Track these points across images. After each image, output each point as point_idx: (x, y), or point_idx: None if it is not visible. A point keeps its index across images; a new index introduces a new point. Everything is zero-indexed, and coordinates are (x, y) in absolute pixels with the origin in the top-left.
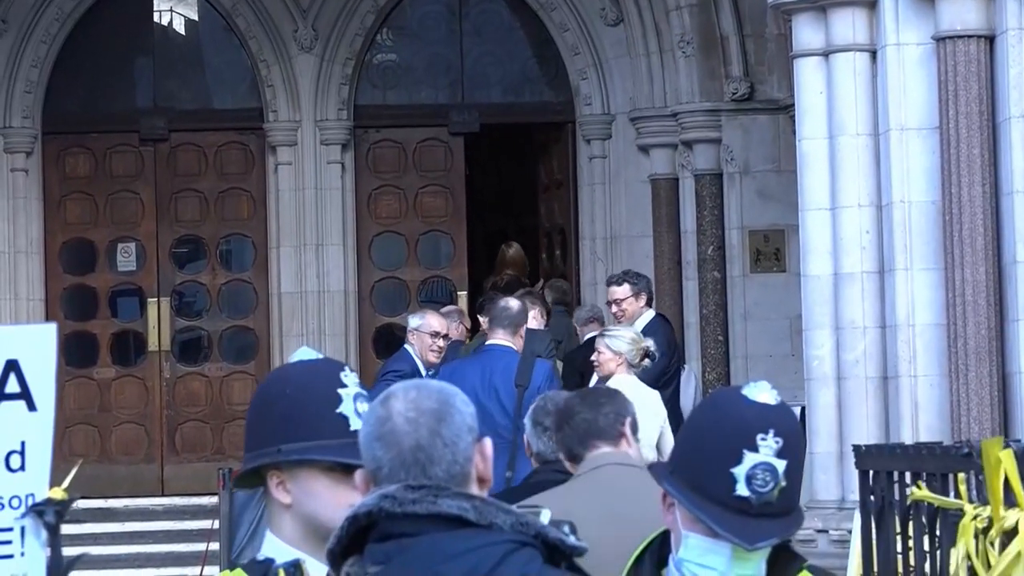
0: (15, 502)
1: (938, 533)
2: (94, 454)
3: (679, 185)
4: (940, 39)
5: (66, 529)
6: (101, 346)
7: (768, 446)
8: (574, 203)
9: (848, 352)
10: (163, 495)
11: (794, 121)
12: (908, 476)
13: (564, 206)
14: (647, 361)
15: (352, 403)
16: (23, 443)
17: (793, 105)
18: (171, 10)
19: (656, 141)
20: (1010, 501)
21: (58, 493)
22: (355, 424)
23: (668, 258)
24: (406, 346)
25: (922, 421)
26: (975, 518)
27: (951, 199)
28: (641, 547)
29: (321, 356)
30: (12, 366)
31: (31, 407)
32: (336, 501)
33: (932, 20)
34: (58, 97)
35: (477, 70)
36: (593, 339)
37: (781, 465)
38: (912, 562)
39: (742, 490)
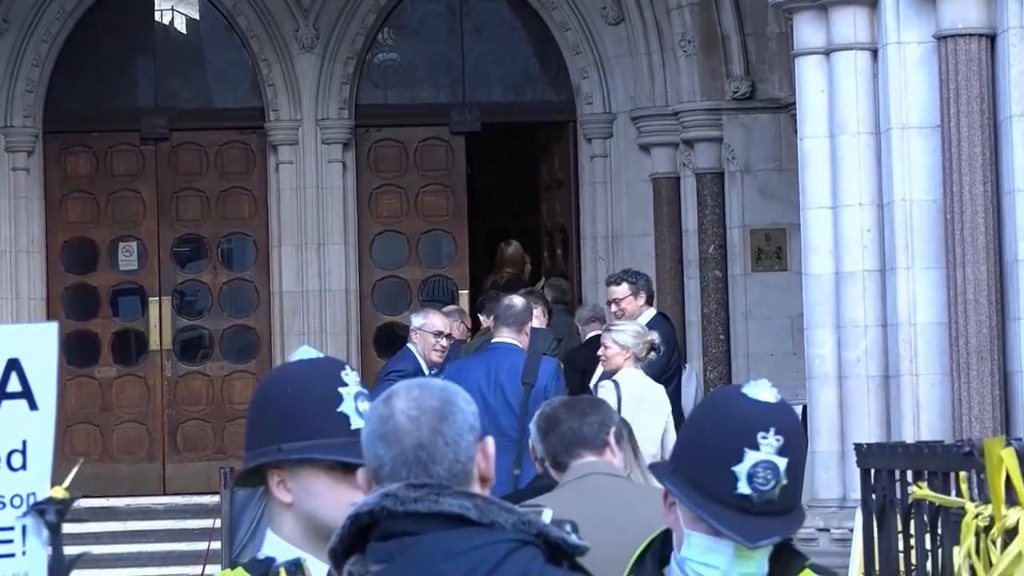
0: (16, 501)
1: (939, 532)
2: (95, 453)
3: (680, 184)
4: (941, 38)
5: (67, 528)
6: (102, 345)
7: (769, 444)
8: (575, 202)
9: (849, 351)
10: (164, 494)
11: (795, 120)
12: (909, 475)
13: (565, 205)
14: (653, 354)
15: (353, 402)
16: (24, 442)
17: (794, 104)
18: (172, 9)
19: (657, 140)
20: (1011, 500)
21: (59, 492)
22: (356, 423)
23: (669, 257)
24: (409, 345)
25: (923, 420)
26: (976, 517)
27: (952, 198)
28: (642, 546)
29: (322, 355)
30: (13, 365)
31: (32, 406)
32: (337, 500)
33: (933, 19)
34: (59, 96)
35: (478, 69)
36: (594, 338)
37: (782, 463)
38: (913, 561)
39: (743, 488)
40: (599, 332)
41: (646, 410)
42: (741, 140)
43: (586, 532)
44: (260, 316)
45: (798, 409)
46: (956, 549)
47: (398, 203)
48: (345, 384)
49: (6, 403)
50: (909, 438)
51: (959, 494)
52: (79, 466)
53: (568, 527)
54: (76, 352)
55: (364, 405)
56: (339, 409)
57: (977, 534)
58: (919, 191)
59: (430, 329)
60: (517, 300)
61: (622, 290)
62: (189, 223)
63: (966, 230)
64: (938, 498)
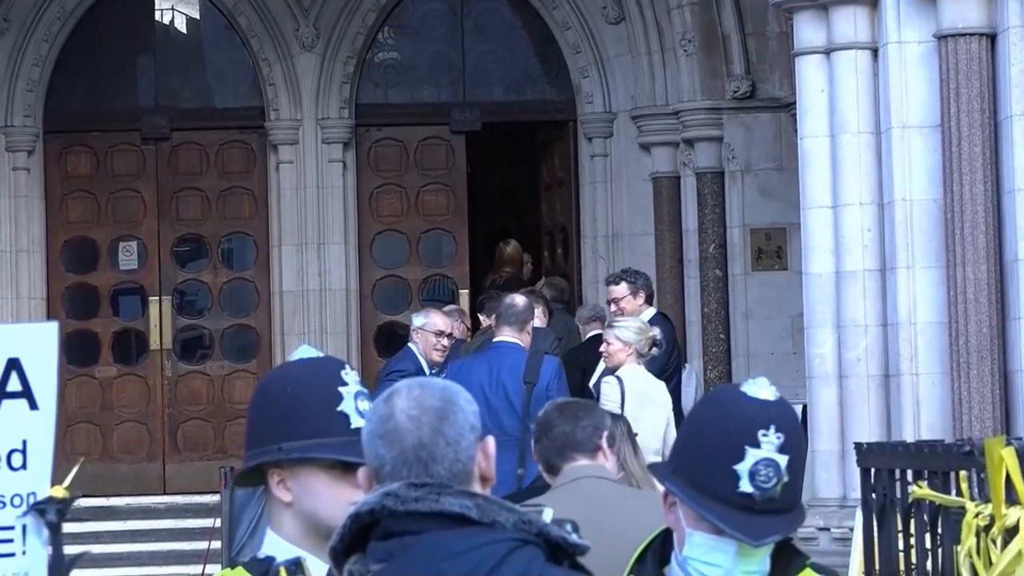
0: (17, 500)
1: (939, 531)
2: (96, 452)
3: (680, 183)
4: (942, 37)
5: (68, 527)
6: (102, 345)
7: (770, 442)
8: (576, 201)
9: (850, 350)
10: (165, 493)
11: (795, 119)
12: (910, 474)
13: (566, 204)
14: (655, 350)
15: (353, 401)
16: (24, 441)
17: (795, 103)
18: (172, 9)
19: (658, 139)
20: (1012, 499)
21: (60, 491)
22: (356, 422)
23: (670, 256)
24: (410, 345)
25: (924, 419)
26: (977, 516)
27: (952, 197)
28: (643, 546)
29: (322, 354)
30: (14, 364)
31: (33, 406)
32: (336, 499)
33: (934, 18)
34: (60, 96)
35: (478, 68)
36: (594, 338)
37: (783, 460)
38: (914, 560)
39: (745, 487)
40: (600, 331)
41: (649, 406)
42: (741, 139)
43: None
44: (260, 316)
45: (798, 408)
46: (956, 548)
47: (398, 202)
48: (345, 383)
49: (6, 403)
50: (909, 437)
51: (959, 493)
52: (79, 465)
53: (569, 526)
54: (76, 352)
55: (364, 404)
56: (339, 408)
57: (977, 533)
58: (919, 190)
59: (431, 329)
60: (519, 299)
61: (621, 289)
62: (189, 223)
63: (966, 229)
64: (938, 497)
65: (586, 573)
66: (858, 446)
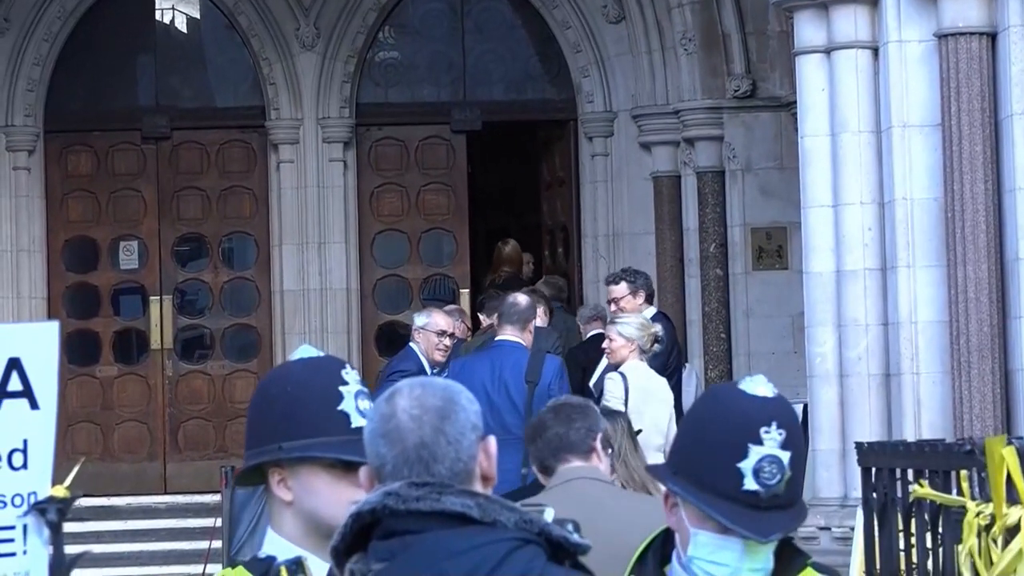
0: (17, 500)
1: (940, 530)
2: (96, 452)
3: (681, 182)
4: (942, 36)
5: (68, 527)
6: (103, 344)
7: (772, 438)
8: (576, 201)
9: (850, 349)
10: (165, 493)
11: (796, 118)
12: (910, 473)
13: (566, 204)
14: (657, 346)
15: (353, 400)
16: (25, 441)
17: (795, 102)
18: (173, 8)
19: (658, 138)
20: (1012, 498)
21: (60, 491)
22: (356, 421)
23: (670, 256)
24: (411, 344)
25: (924, 418)
26: (977, 515)
27: (953, 196)
28: (643, 546)
29: (322, 354)
30: (14, 364)
31: (33, 405)
32: (337, 498)
33: (934, 17)
34: (60, 95)
35: (479, 68)
36: (594, 337)
37: (786, 456)
38: (914, 559)
39: (750, 484)
40: (600, 331)
41: (652, 402)
42: (742, 138)
43: None
44: (261, 315)
45: (799, 408)
46: (957, 548)
47: (399, 202)
48: (345, 383)
49: (7, 402)
50: (910, 436)
51: (960, 493)
52: (80, 465)
53: (570, 526)
54: (77, 351)
55: (364, 404)
56: (339, 407)
57: (978, 533)
58: (920, 189)
59: (433, 328)
60: (521, 298)
61: (620, 289)
62: (190, 222)
63: (967, 228)
64: (939, 497)
65: (587, 573)
66: (859, 445)
